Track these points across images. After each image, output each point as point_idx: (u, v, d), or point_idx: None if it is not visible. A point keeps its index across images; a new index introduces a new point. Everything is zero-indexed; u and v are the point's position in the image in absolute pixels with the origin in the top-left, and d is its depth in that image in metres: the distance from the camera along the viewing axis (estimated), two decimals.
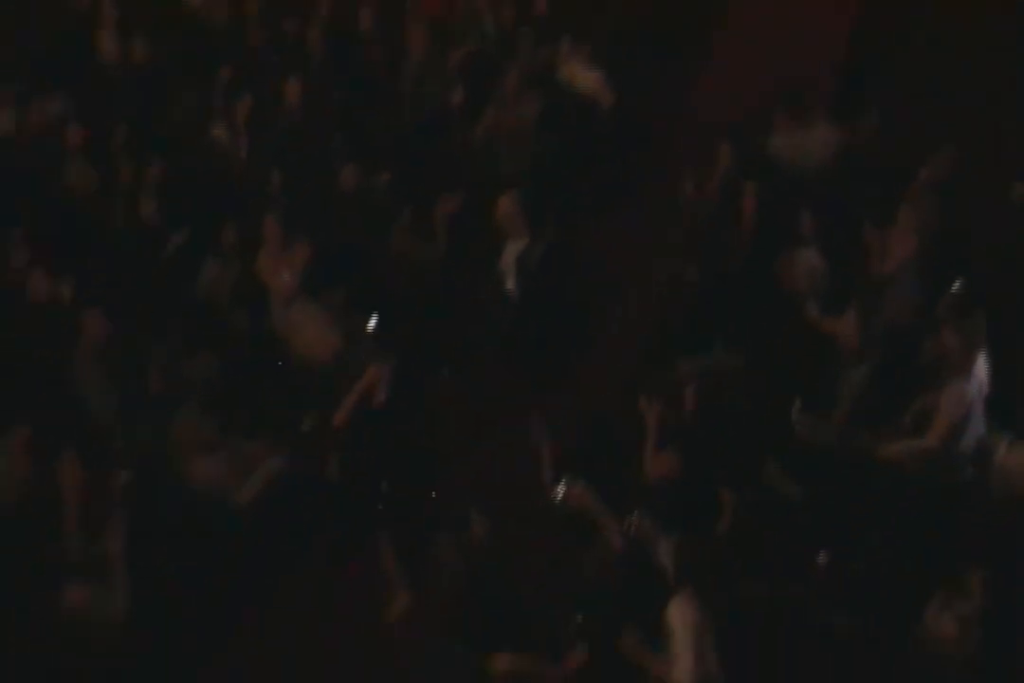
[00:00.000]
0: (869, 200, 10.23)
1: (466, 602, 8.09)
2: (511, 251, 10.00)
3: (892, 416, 8.91)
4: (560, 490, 8.44)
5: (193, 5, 11.97)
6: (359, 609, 8.60)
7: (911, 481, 8.64)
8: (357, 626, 8.53)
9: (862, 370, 9.15)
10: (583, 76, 11.46)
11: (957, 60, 11.82)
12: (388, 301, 9.97)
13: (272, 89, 11.03)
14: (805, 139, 10.80)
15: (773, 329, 9.68)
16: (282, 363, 9.68)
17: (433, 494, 9.23)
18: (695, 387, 8.99)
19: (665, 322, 10.21)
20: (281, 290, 9.73)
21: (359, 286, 9.86)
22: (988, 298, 9.32)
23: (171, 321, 9.63)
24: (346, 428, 9.35)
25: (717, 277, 10.05)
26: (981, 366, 8.69)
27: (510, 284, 10.03)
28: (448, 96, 11.30)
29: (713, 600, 7.65)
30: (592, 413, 9.56)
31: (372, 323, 9.86)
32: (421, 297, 10.17)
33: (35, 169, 10.54)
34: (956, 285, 9.54)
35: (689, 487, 8.55)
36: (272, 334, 9.74)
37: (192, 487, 8.86)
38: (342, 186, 10.40)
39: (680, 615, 7.49)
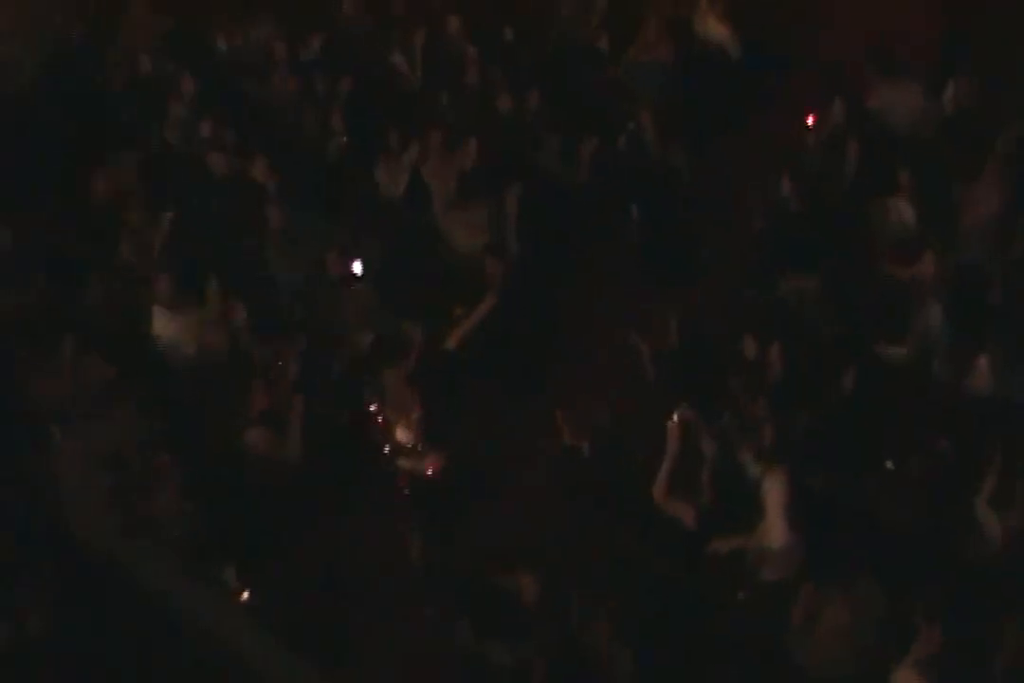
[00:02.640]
0: (958, 157, 11.11)
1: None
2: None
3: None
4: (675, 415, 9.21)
5: None
6: None
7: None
8: None
9: (935, 308, 10.14)
10: (716, 28, 12.33)
11: None
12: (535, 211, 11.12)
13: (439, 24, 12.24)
14: (895, 96, 11.58)
15: (859, 265, 10.69)
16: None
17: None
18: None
19: (763, 245, 11.06)
20: (443, 191, 11.05)
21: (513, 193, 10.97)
22: None
23: (348, 215, 11.02)
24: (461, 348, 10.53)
25: (816, 209, 10.97)
26: None
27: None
28: (593, 36, 12.38)
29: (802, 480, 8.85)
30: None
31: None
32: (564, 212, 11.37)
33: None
34: None
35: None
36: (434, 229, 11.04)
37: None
38: (497, 109, 11.66)
39: (773, 490, 8.73)
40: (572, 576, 9.14)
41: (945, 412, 9.81)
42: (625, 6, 12.63)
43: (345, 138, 11.57)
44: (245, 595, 9.26)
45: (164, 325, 10.53)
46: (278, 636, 9.07)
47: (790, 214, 10.98)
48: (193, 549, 9.48)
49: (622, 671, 8.54)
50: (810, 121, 11.54)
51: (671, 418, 9.25)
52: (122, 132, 12.08)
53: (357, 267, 10.65)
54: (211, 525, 9.63)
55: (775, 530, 8.73)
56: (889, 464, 9.46)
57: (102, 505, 9.54)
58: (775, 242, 10.96)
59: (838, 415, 9.56)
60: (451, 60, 12.09)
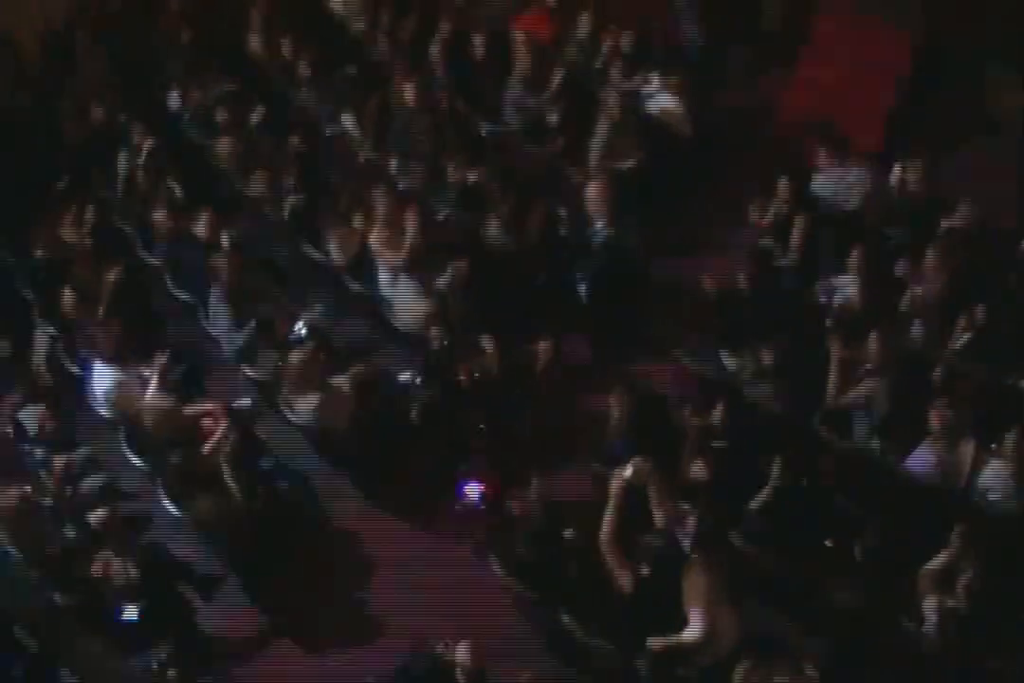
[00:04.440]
0: (902, 238, 11.36)
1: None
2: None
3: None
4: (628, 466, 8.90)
5: (333, 13, 13.33)
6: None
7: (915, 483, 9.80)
8: None
9: (879, 385, 10.22)
10: (669, 107, 12.50)
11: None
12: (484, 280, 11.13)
13: (394, 90, 12.33)
14: (843, 178, 11.84)
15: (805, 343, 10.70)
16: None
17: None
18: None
19: (713, 324, 11.11)
20: (390, 261, 11.04)
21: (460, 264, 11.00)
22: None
23: (293, 277, 10.99)
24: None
25: (765, 290, 11.09)
26: None
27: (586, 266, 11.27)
28: (547, 114, 12.48)
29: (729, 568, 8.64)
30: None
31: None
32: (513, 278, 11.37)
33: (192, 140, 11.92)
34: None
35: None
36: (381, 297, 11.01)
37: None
38: (450, 176, 11.69)
39: (692, 580, 8.42)
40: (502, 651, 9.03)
41: (888, 491, 9.82)
42: (576, 80, 12.81)
43: (294, 201, 11.52)
44: None
45: (106, 381, 10.45)
46: None
47: (740, 292, 11.06)
48: None
49: None
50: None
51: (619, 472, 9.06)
52: (70, 186, 12.03)
53: (302, 330, 10.56)
54: None
55: (695, 624, 8.45)
56: (829, 543, 9.39)
57: None
58: (724, 319, 11.02)
59: (780, 493, 9.50)
60: (403, 127, 12.10)
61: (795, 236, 11.40)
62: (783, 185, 11.61)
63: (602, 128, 12.08)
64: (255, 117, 12.08)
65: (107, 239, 11.62)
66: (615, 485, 8.75)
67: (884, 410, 10.20)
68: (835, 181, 11.91)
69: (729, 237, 11.97)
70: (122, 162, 11.97)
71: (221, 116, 12.13)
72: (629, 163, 12.09)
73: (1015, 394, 10.19)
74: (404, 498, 10.42)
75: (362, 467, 10.42)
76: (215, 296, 10.87)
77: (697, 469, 9.65)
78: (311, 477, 10.32)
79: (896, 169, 11.74)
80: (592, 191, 11.35)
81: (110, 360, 10.42)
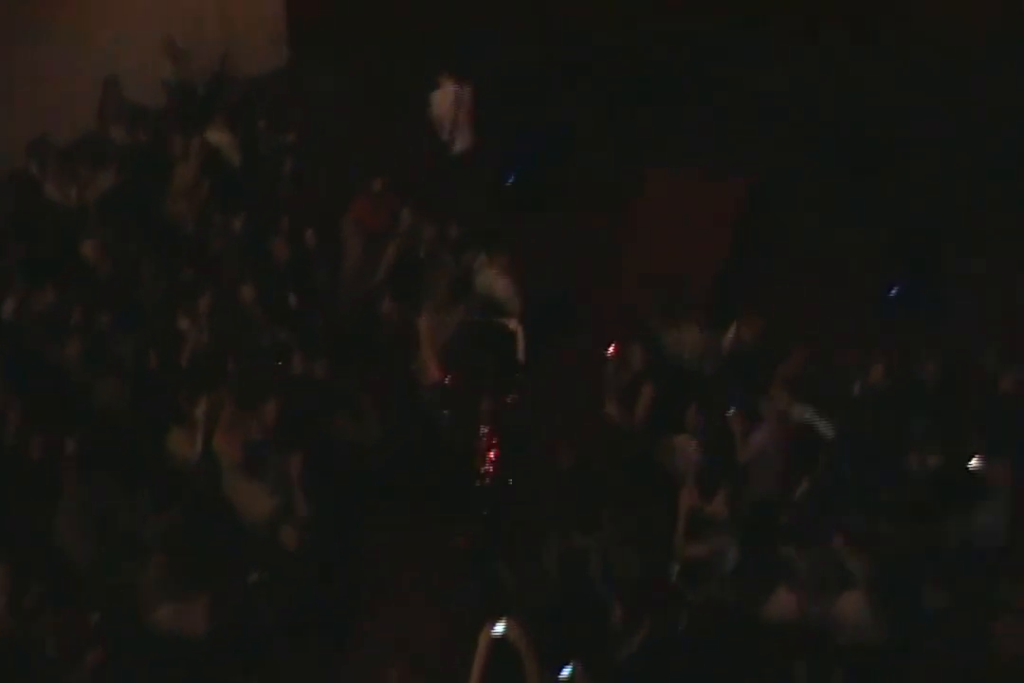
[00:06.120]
0: (737, 393, 11.60)
1: None
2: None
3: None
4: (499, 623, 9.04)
5: (168, 213, 13.54)
6: None
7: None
8: None
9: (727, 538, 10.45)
10: (497, 285, 12.75)
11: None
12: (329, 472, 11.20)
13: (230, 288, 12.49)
14: (679, 339, 12.19)
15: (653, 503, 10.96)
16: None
17: None
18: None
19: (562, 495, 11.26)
20: (231, 461, 11.10)
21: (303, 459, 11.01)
22: None
23: (142, 482, 10.91)
24: None
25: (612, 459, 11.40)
26: None
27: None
28: (378, 299, 12.76)
29: None
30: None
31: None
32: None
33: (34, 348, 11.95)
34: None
35: None
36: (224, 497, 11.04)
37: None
38: (290, 371, 11.85)
39: None
40: None
41: (746, 641, 9.90)
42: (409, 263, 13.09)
43: (135, 404, 11.59)
44: None
45: None
46: None
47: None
48: None
49: None
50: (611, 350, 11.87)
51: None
52: None
53: (153, 537, 10.54)
54: None
55: None
56: None
57: None
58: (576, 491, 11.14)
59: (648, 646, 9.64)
60: (241, 325, 12.27)
61: (642, 401, 11.69)
62: (628, 350, 11.92)
63: (431, 309, 12.33)
64: (103, 319, 12.16)
65: None
66: (482, 643, 8.81)
67: (735, 560, 10.38)
68: (673, 341, 12.24)
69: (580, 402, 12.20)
70: None
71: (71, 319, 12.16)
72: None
73: (857, 534, 10.35)
74: None
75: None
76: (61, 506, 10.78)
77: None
78: None
79: (732, 326, 12.14)
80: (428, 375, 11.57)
81: None
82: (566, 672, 9.13)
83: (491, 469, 11.72)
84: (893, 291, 13.47)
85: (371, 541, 11.29)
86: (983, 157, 14.31)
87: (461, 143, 15.08)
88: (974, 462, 10.84)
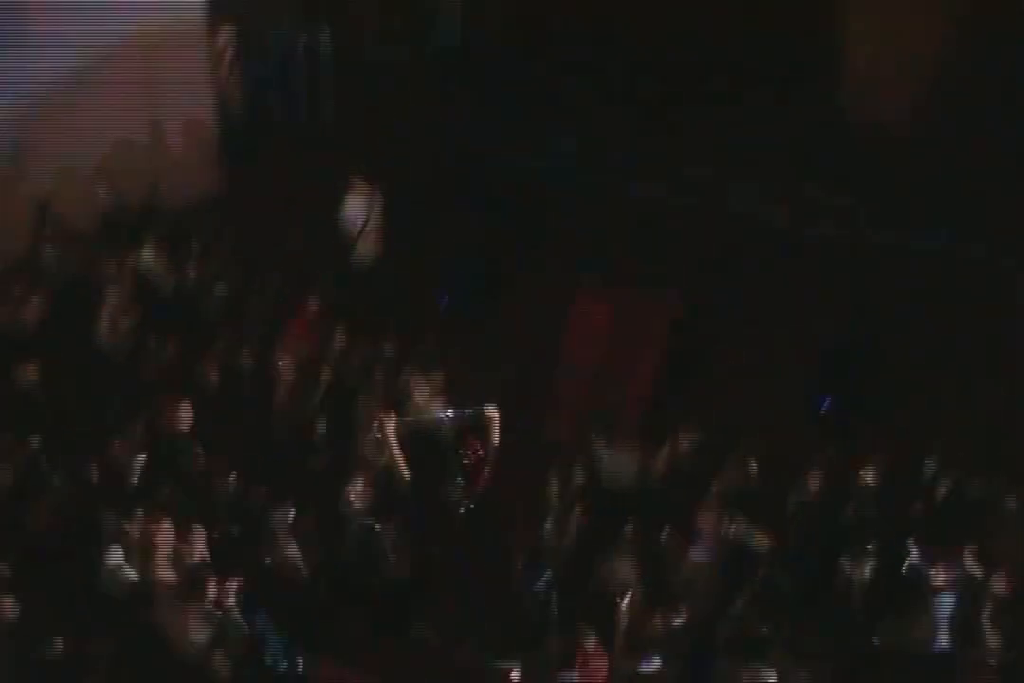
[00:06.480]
0: (673, 509, 11.73)
1: None
2: None
3: None
4: None
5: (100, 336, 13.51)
6: None
7: None
8: None
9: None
10: (428, 406, 12.48)
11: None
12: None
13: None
14: (615, 459, 12.30)
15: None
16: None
17: None
18: None
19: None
20: (166, 586, 10.93)
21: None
22: None
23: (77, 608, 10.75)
24: None
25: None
26: None
27: None
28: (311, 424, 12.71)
29: None
30: None
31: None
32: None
33: None
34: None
35: None
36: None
37: None
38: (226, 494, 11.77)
39: None
40: None
41: None
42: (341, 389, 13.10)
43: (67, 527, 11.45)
44: None
45: None
46: None
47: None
48: None
49: None
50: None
51: None
52: None
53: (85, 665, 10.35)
54: None
55: None
56: None
57: None
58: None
59: None
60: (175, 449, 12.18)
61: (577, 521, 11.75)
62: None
63: (367, 435, 12.31)
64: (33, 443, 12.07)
65: None
66: None
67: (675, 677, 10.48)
68: (607, 463, 12.32)
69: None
70: None
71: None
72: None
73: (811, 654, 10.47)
74: None
75: None
76: None
77: None
78: None
79: (665, 445, 12.23)
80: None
81: None
82: None
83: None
84: (826, 403, 13.52)
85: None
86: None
87: (371, 248, 15.13)
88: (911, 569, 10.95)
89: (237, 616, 10.66)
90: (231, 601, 10.67)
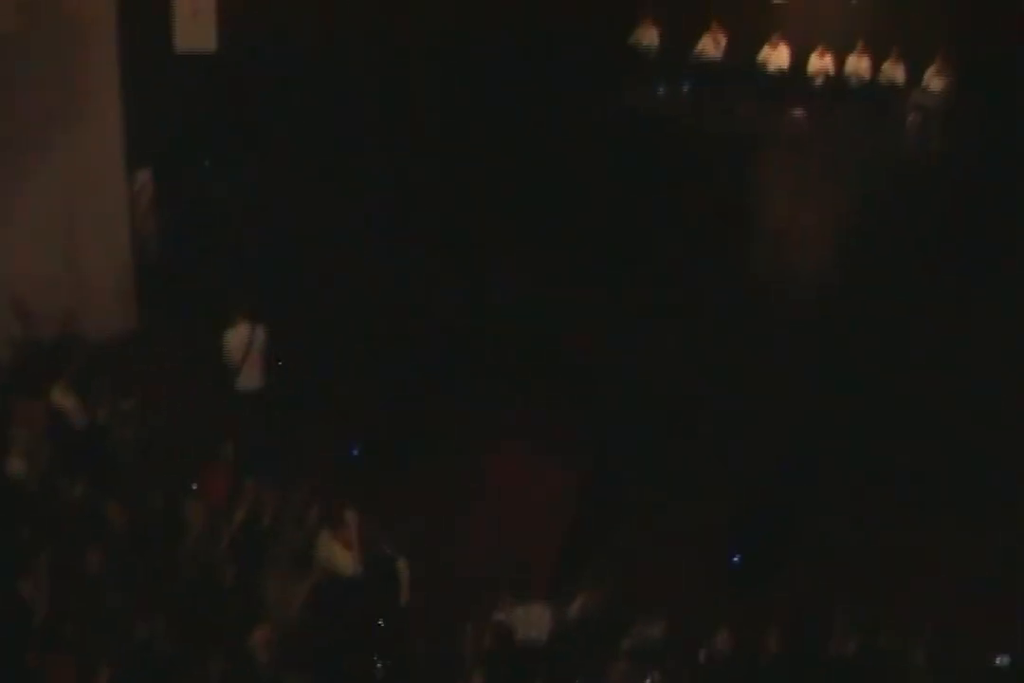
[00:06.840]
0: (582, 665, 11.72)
1: None
2: None
3: None
4: None
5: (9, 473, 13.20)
6: None
7: None
8: None
9: None
10: (339, 554, 12.53)
11: None
12: None
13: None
14: (525, 614, 12.25)
15: None
16: None
17: None
18: None
19: None
20: None
21: None
22: None
23: None
24: None
25: None
26: None
27: None
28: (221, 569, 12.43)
29: None
30: None
31: None
32: None
33: None
34: None
35: None
36: None
37: None
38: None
39: None
40: None
41: None
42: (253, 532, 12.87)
43: None
44: None
45: None
46: None
47: None
48: None
49: None
50: None
51: None
52: None
53: None
54: None
55: None
56: None
57: None
58: None
59: None
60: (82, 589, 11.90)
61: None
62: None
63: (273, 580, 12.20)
64: None
65: None
66: None
67: None
68: (518, 619, 12.23)
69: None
70: None
71: None
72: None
73: None
74: None
75: None
76: None
77: None
78: None
79: (577, 598, 12.25)
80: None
81: None
82: None
83: None
84: (736, 559, 13.58)
85: None
86: None
87: (250, 382, 15.06)
88: None
89: None
90: None
